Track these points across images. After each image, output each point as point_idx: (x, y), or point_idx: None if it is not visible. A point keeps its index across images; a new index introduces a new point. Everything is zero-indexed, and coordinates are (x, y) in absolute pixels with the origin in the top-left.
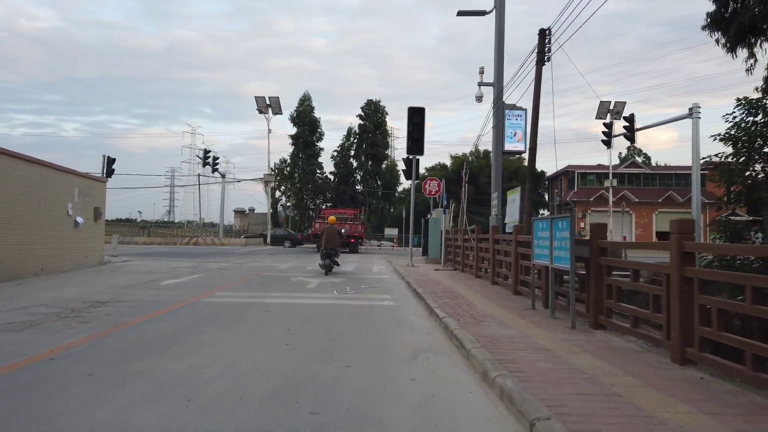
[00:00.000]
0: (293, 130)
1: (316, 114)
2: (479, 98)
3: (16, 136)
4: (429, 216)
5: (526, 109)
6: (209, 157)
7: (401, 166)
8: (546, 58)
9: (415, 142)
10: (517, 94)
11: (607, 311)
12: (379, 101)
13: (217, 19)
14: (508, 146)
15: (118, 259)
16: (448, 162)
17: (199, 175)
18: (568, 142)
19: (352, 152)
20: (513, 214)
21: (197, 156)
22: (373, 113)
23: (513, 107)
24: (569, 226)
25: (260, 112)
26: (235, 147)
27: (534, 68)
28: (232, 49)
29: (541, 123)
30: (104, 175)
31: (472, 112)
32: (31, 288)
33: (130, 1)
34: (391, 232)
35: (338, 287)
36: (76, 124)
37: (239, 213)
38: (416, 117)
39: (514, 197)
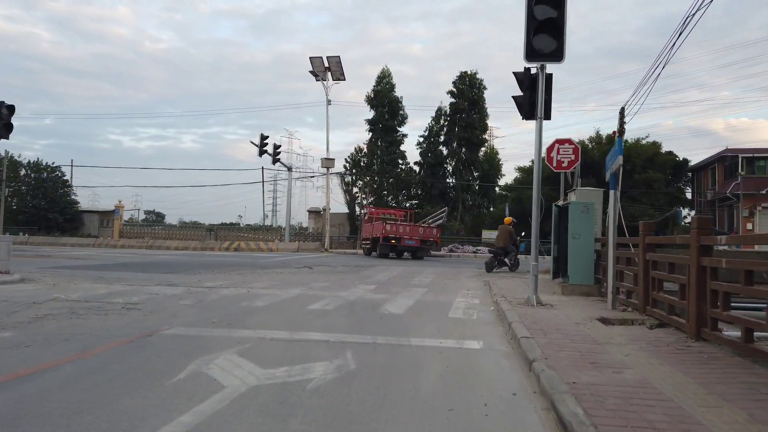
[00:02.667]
0: (370, 114)
1: (395, 91)
2: None
3: (142, 148)
4: (566, 198)
5: None
6: (266, 143)
7: (502, 154)
8: None
9: (546, 29)
10: None
11: None
12: (475, 73)
13: (319, 31)
14: None
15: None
16: None
17: (263, 168)
18: (682, 138)
19: (442, 137)
20: None
21: (252, 143)
22: (468, 89)
23: None
24: None
25: (316, 77)
26: (334, 153)
27: None
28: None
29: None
30: None
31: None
32: None
33: (240, 19)
34: (491, 235)
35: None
36: (192, 136)
37: (313, 213)
38: None
39: None
